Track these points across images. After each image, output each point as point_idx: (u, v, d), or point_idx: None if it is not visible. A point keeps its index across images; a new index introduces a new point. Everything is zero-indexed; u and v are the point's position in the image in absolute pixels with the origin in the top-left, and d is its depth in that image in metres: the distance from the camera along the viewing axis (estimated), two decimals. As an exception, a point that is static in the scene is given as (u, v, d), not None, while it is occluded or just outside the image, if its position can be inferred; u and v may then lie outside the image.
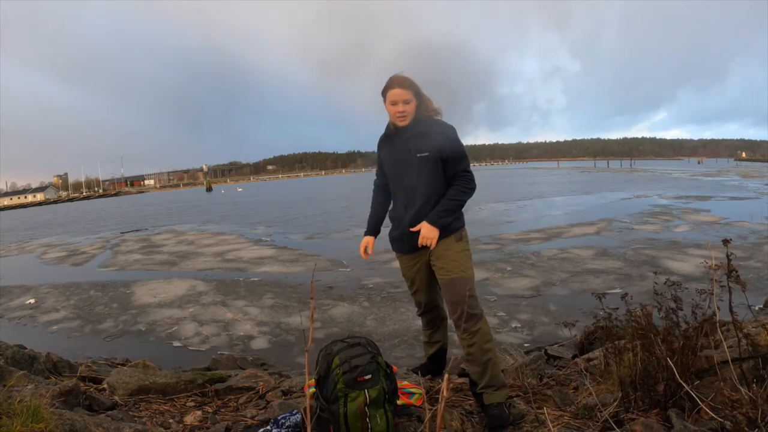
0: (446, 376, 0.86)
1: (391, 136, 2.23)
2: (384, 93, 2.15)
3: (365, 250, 2.36)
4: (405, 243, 2.22)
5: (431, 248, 2.13)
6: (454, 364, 2.85)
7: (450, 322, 2.26)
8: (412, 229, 2.14)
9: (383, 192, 2.41)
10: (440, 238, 2.14)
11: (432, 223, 2.10)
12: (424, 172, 2.13)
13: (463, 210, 2.23)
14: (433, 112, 2.19)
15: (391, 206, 2.37)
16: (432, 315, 2.46)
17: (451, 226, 2.17)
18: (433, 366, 2.57)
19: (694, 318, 1.73)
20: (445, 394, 0.82)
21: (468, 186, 2.17)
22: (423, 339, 2.60)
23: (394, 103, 2.11)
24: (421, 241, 2.10)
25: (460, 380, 2.40)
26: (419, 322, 2.63)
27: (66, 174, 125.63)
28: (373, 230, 2.41)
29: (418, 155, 2.12)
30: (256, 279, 6.78)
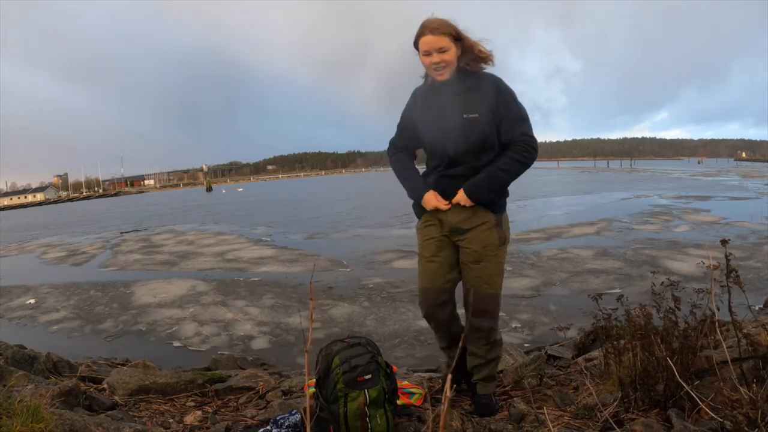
0: (449, 376, 0.86)
1: (430, 90, 1.87)
2: (416, 43, 1.81)
3: (438, 200, 1.88)
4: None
5: (464, 227, 1.84)
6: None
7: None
8: (453, 201, 1.84)
9: (408, 154, 2.04)
10: (483, 216, 1.83)
11: (469, 195, 1.80)
12: (474, 137, 1.77)
13: None
14: (482, 61, 1.81)
15: (424, 171, 2.01)
16: (444, 313, 1.99)
17: (497, 204, 1.86)
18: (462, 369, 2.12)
19: (693, 318, 1.73)
20: (448, 394, 0.82)
21: (526, 154, 1.78)
22: (446, 360, 2.25)
23: (428, 54, 1.77)
24: (456, 201, 1.82)
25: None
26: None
27: (66, 174, 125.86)
28: (427, 185, 1.93)
29: (465, 116, 1.76)
30: (256, 279, 6.78)
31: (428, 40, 1.75)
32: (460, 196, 1.82)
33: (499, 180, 1.80)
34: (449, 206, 1.87)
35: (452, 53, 1.76)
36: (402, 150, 2.03)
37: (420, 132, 1.91)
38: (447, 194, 1.87)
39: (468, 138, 1.78)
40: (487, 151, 1.81)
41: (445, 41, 1.74)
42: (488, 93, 1.77)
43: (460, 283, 1.98)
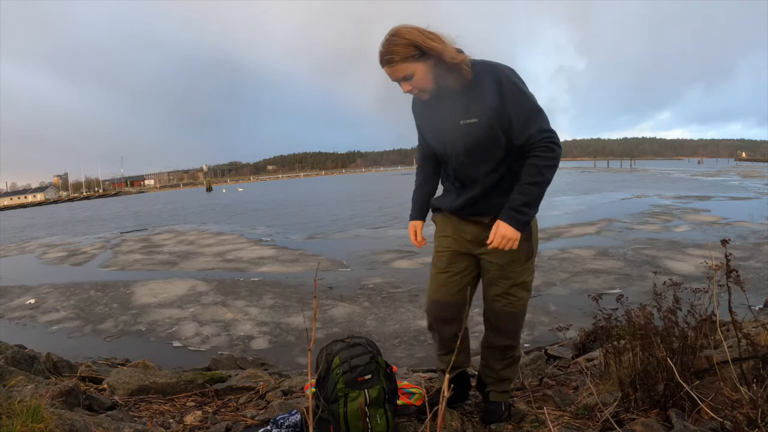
0: (446, 376, 0.86)
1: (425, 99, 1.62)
2: None
3: (416, 237, 1.85)
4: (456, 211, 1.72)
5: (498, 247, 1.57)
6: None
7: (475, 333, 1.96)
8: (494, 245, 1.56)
9: (430, 161, 1.84)
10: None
11: (511, 223, 1.52)
12: (476, 145, 1.54)
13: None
14: (456, 72, 1.49)
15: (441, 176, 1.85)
16: (449, 331, 1.81)
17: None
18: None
19: (693, 318, 1.73)
20: (446, 394, 0.82)
21: (551, 155, 1.50)
22: (438, 365, 1.96)
23: (398, 82, 1.53)
24: (497, 243, 1.54)
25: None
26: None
27: (66, 174, 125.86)
28: (419, 213, 1.87)
29: (462, 123, 1.53)
30: (256, 279, 6.78)
31: (388, 73, 1.50)
32: (501, 234, 1.53)
33: (536, 196, 1.54)
34: (420, 244, 1.84)
35: (420, 73, 1.48)
36: (422, 160, 1.87)
37: (427, 139, 1.77)
38: (467, 211, 1.69)
39: (467, 145, 1.56)
40: (493, 157, 1.57)
41: (405, 67, 1.46)
42: (489, 91, 1.48)
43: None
